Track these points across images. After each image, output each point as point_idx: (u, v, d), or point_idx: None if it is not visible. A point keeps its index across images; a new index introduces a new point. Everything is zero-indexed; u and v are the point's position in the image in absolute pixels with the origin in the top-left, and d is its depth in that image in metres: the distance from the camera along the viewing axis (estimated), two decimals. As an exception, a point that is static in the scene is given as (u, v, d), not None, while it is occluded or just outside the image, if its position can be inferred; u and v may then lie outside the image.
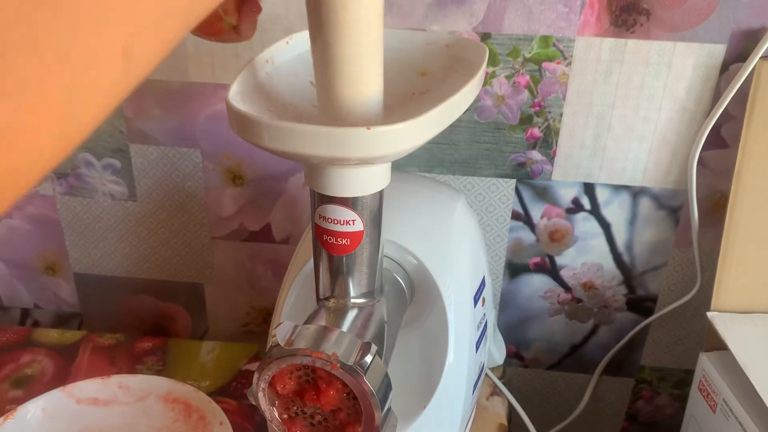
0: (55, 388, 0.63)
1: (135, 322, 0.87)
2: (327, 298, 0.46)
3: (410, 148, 0.37)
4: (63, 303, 0.86)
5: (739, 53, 0.64)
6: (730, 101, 0.64)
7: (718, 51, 0.65)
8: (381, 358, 0.44)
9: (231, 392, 0.70)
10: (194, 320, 0.86)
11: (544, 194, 0.73)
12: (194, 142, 0.74)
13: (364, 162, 0.38)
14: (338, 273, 0.45)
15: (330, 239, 0.43)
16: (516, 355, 0.83)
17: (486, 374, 0.72)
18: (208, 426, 0.60)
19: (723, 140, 0.69)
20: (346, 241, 0.43)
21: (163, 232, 0.80)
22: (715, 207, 0.72)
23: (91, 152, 0.76)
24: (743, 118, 0.63)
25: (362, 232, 0.43)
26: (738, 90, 0.63)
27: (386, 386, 0.42)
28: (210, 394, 0.66)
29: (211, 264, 0.81)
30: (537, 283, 0.78)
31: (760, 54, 0.62)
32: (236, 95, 0.40)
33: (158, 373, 0.73)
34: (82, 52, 0.16)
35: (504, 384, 0.72)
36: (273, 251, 0.79)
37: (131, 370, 0.73)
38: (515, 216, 0.75)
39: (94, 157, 0.76)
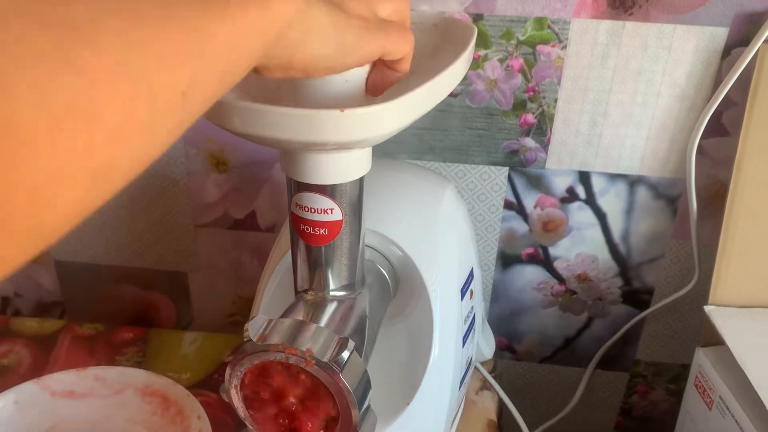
0: (29, 380, 0.61)
1: (118, 311, 0.85)
2: (305, 291, 0.44)
3: (389, 132, 0.34)
4: (44, 291, 0.84)
5: (741, 37, 0.62)
6: (731, 87, 0.62)
7: (719, 34, 0.62)
8: (360, 354, 0.42)
9: (212, 385, 0.68)
10: (178, 310, 0.84)
11: (537, 183, 0.71)
12: (176, 126, 0.71)
13: (340, 147, 0.36)
14: (316, 264, 0.43)
15: (307, 229, 0.41)
16: (508, 347, 0.81)
17: (476, 368, 0.70)
18: (186, 420, 0.58)
19: (724, 128, 0.66)
20: (324, 231, 0.41)
21: (146, 219, 0.77)
22: (715, 197, 0.69)
23: (70, 136, 0.73)
24: (745, 105, 0.61)
25: (341, 221, 0.41)
26: (740, 75, 0.61)
27: (365, 384, 0.40)
28: (191, 387, 0.64)
29: (195, 252, 0.79)
30: (530, 275, 0.76)
31: (764, 38, 0.60)
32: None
33: (138, 364, 0.71)
34: (157, 85, 0.22)
35: (495, 378, 0.70)
36: (258, 239, 0.77)
37: (110, 361, 0.71)
38: (508, 205, 0.72)
39: (74, 141, 0.73)
